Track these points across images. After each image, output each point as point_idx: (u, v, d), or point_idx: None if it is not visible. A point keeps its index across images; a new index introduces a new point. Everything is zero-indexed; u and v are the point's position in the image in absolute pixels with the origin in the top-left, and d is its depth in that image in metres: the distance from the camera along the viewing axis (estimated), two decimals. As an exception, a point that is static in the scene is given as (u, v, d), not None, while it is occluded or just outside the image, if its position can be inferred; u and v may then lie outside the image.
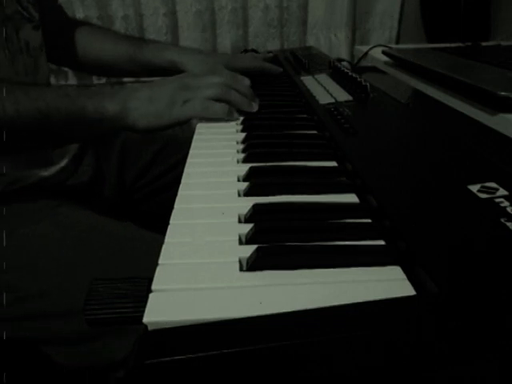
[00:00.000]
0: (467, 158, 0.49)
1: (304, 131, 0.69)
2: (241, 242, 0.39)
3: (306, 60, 1.09)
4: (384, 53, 1.16)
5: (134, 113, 0.70)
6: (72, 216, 0.72)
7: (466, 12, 1.61)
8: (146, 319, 0.29)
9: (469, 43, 1.32)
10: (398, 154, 0.53)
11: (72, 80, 1.75)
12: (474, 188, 0.41)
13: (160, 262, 0.37)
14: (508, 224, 0.35)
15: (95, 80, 1.77)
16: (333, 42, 1.83)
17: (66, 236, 0.68)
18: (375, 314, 0.28)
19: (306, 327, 0.28)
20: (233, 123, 0.74)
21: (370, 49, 1.34)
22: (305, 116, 0.78)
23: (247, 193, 0.49)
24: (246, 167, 0.54)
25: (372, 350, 0.27)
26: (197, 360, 0.26)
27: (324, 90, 0.85)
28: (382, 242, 0.38)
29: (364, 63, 1.36)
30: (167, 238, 0.40)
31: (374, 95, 0.77)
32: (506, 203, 0.38)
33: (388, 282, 0.33)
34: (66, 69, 1.66)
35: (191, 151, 0.63)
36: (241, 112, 0.77)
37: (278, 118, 0.76)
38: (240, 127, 0.72)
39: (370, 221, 0.42)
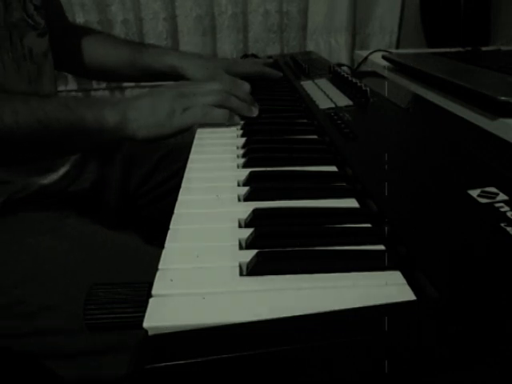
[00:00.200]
0: (467, 162, 0.49)
1: (304, 136, 0.69)
2: (241, 247, 0.39)
3: (305, 65, 1.09)
4: (384, 58, 1.16)
5: (134, 123, 0.70)
6: (79, 228, 0.72)
7: (465, 17, 1.61)
8: (146, 324, 0.29)
9: (469, 48, 1.32)
10: (398, 158, 0.53)
11: (72, 85, 1.76)
12: (474, 193, 0.41)
13: (160, 266, 0.37)
14: (508, 229, 0.35)
15: (95, 85, 1.77)
16: (333, 46, 1.84)
17: (74, 248, 0.67)
18: (375, 319, 0.28)
19: (306, 332, 0.28)
20: (233, 128, 0.74)
21: (370, 54, 1.34)
22: (305, 121, 0.78)
23: (247, 197, 0.49)
24: (246, 172, 0.54)
25: (372, 354, 0.27)
26: (197, 365, 0.26)
27: (324, 95, 0.85)
28: (381, 247, 0.38)
29: (364, 68, 1.36)
30: (167, 243, 0.40)
31: (374, 100, 0.77)
32: (506, 208, 0.38)
33: (388, 287, 0.33)
34: (65, 73, 1.66)
35: (191, 156, 0.63)
36: (241, 117, 0.77)
37: (278, 123, 0.76)
38: (240, 132, 0.72)
39: (370, 226, 0.42)
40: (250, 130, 0.72)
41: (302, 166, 0.56)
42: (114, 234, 0.72)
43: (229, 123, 0.74)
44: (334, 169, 0.56)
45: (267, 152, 0.62)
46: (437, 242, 0.35)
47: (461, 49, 1.32)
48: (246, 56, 1.46)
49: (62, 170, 0.83)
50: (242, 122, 0.76)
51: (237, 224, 0.43)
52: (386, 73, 1.16)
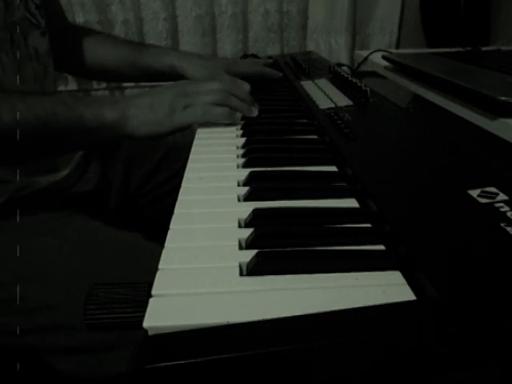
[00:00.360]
0: (467, 162, 0.49)
1: (304, 136, 0.69)
2: (241, 247, 0.39)
3: (306, 65, 1.09)
4: (384, 58, 1.16)
5: (134, 120, 0.69)
6: (81, 228, 0.72)
7: (465, 17, 1.61)
8: (146, 324, 0.29)
9: (469, 48, 1.32)
10: (398, 158, 0.53)
11: (72, 85, 1.76)
12: (474, 193, 0.41)
13: (160, 266, 0.37)
14: (508, 229, 0.35)
15: (95, 85, 1.77)
16: (333, 46, 1.84)
17: (75, 249, 0.67)
18: (375, 319, 0.28)
19: (306, 332, 0.28)
20: (233, 128, 0.74)
21: (370, 54, 1.34)
22: (305, 121, 0.78)
23: (247, 198, 0.49)
24: (246, 172, 0.54)
25: (372, 354, 0.27)
26: (197, 365, 0.26)
27: (324, 95, 0.85)
28: (381, 247, 0.38)
29: (364, 68, 1.36)
30: (167, 243, 0.40)
31: (374, 100, 0.77)
32: (506, 208, 0.38)
33: (388, 287, 0.33)
34: (65, 74, 1.66)
35: (191, 156, 0.63)
36: (242, 116, 0.77)
37: (278, 123, 0.76)
38: (240, 132, 0.72)
39: (370, 226, 0.42)
40: (249, 130, 0.72)
41: (302, 166, 0.56)
42: (115, 233, 0.72)
43: (230, 121, 0.74)
44: (333, 169, 0.56)
45: (267, 152, 0.62)
46: (437, 242, 0.35)
47: (461, 49, 1.32)
48: (245, 56, 1.45)
49: (65, 171, 0.83)
50: (242, 122, 0.76)
51: (237, 224, 0.43)
52: (386, 73, 1.16)
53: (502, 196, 0.40)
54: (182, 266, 0.37)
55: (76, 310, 0.60)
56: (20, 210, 0.72)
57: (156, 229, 0.52)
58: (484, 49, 1.35)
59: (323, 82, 0.96)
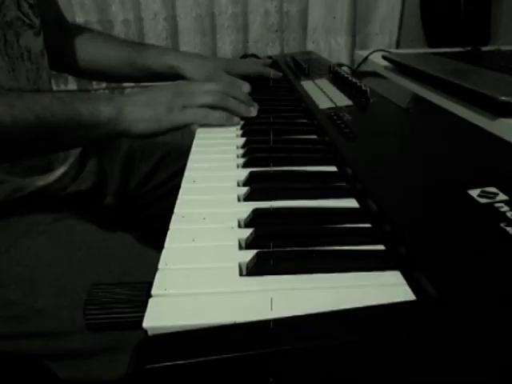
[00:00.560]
0: (467, 162, 0.49)
1: (304, 136, 0.69)
2: (240, 247, 0.39)
3: (305, 65, 1.09)
4: (384, 58, 1.16)
5: (131, 117, 0.69)
6: (74, 230, 0.71)
7: (465, 17, 1.61)
8: (145, 324, 0.29)
9: (469, 48, 1.32)
10: (398, 158, 0.53)
11: (72, 85, 1.76)
12: (474, 193, 0.41)
13: (159, 266, 0.36)
14: (508, 229, 0.35)
15: (95, 85, 1.77)
16: (333, 46, 1.84)
17: (72, 249, 0.67)
18: (375, 319, 0.28)
19: (306, 332, 0.28)
20: (233, 128, 0.74)
21: (370, 54, 1.34)
22: (305, 121, 0.78)
23: (247, 198, 0.49)
24: (245, 172, 0.54)
25: (372, 354, 0.27)
26: (197, 365, 0.26)
27: (324, 95, 0.85)
28: (381, 247, 0.38)
29: (364, 68, 1.36)
30: (167, 243, 0.40)
31: (374, 100, 0.77)
32: (506, 208, 0.38)
33: (388, 287, 0.33)
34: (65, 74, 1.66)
35: (191, 156, 0.63)
36: (241, 117, 0.77)
37: (277, 123, 0.76)
38: (240, 132, 0.72)
39: (369, 225, 0.42)
40: (249, 130, 0.72)
41: (302, 166, 0.56)
42: (113, 234, 0.71)
43: (227, 124, 0.74)
44: (333, 169, 0.56)
45: (267, 152, 0.62)
46: (437, 242, 0.35)
47: (461, 49, 1.32)
48: (245, 56, 1.46)
49: (60, 170, 0.83)
50: (242, 122, 0.76)
51: (236, 224, 0.43)
52: (386, 73, 1.16)
53: (501, 196, 0.40)
54: (182, 266, 0.37)
55: (73, 312, 0.60)
56: (16, 211, 0.72)
57: (156, 229, 0.52)
58: (484, 49, 1.35)
59: (323, 82, 0.96)
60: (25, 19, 0.77)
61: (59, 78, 1.72)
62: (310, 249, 0.38)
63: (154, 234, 0.64)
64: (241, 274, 0.35)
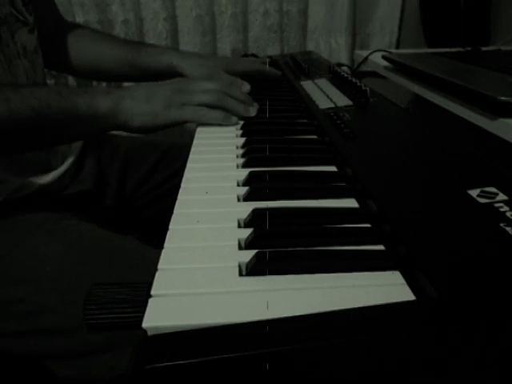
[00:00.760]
0: (467, 162, 0.49)
1: (304, 136, 0.69)
2: (240, 247, 0.39)
3: (305, 65, 1.09)
4: (384, 58, 1.16)
5: (128, 111, 0.69)
6: (76, 230, 0.71)
7: (465, 17, 1.61)
8: (145, 324, 0.29)
9: (469, 48, 1.32)
10: (397, 158, 0.53)
11: (72, 84, 1.75)
12: (474, 193, 0.41)
13: (159, 266, 0.36)
14: (507, 229, 0.35)
15: (95, 84, 1.77)
16: (333, 46, 1.84)
17: (73, 249, 0.67)
18: (375, 319, 0.28)
19: (307, 332, 0.28)
20: (232, 128, 0.74)
21: (370, 54, 1.34)
22: (304, 121, 0.78)
23: (247, 197, 0.49)
24: (245, 172, 0.54)
25: (372, 354, 0.27)
26: (197, 365, 0.26)
27: (324, 95, 0.85)
28: (381, 247, 0.38)
29: (364, 68, 1.36)
30: (166, 243, 0.40)
31: (373, 100, 0.77)
32: (506, 208, 0.38)
33: (387, 287, 0.33)
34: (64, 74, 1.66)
35: (191, 156, 0.63)
36: (241, 117, 0.77)
37: (277, 123, 0.76)
38: (240, 132, 0.72)
39: (369, 226, 0.42)
40: (249, 130, 0.72)
41: (302, 166, 0.56)
42: (113, 234, 0.71)
43: (225, 123, 0.74)
44: (333, 169, 0.56)
45: (267, 152, 0.62)
46: (436, 242, 0.35)
47: (461, 49, 1.32)
48: (245, 56, 1.46)
49: (60, 170, 0.83)
50: (242, 122, 0.76)
51: (236, 224, 0.43)
52: (386, 73, 1.16)
53: (501, 196, 0.40)
54: (182, 266, 0.37)
55: (74, 311, 0.60)
56: (17, 211, 0.71)
57: (155, 229, 0.52)
58: (484, 49, 1.35)
59: (323, 82, 0.96)
60: (18, 16, 0.77)
61: (59, 77, 1.71)
62: (310, 249, 0.38)
63: (153, 233, 0.64)
64: (240, 274, 0.35)
